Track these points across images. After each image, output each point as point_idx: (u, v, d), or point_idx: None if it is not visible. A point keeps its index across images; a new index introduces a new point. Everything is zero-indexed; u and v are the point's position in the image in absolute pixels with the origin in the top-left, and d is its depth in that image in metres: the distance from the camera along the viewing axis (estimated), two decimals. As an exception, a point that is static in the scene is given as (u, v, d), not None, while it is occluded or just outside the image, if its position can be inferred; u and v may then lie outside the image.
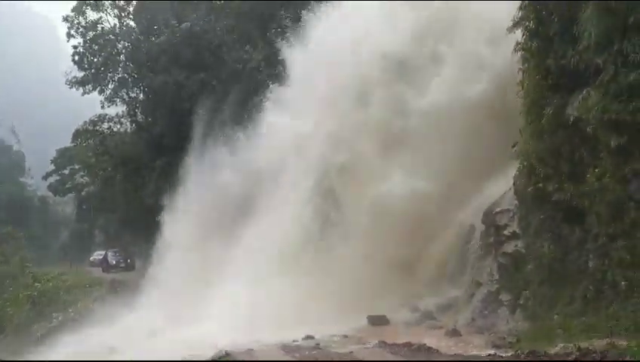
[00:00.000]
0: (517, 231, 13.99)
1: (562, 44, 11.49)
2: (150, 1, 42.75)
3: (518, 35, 12.98)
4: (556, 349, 9.06)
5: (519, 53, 12.92)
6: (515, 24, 13.04)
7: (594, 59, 10.48)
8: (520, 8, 12.82)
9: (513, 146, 13.99)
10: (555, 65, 11.66)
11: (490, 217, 15.35)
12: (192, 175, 29.06)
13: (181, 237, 27.63)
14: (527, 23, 12.62)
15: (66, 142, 59.67)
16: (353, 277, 18.10)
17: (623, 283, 10.20)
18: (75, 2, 46.14)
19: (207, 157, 28.22)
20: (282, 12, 33.27)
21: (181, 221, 28.34)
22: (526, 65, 12.82)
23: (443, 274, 17.41)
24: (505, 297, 13.93)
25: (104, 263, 47.42)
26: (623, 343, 8.55)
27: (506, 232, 14.61)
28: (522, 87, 12.97)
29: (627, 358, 7.86)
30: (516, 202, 14.00)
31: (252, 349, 13.36)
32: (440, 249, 17.69)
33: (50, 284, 40.59)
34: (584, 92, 10.72)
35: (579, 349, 8.59)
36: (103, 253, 50.05)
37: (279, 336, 14.68)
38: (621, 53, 9.97)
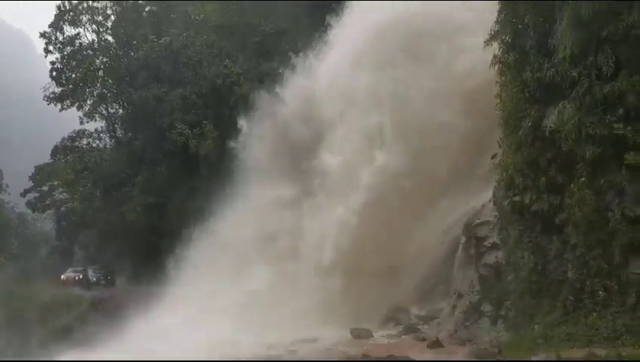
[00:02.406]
0: (497, 242, 14.08)
1: (538, 57, 11.68)
2: (129, 15, 42.58)
3: (495, 47, 13.16)
4: (537, 359, 9.11)
5: (496, 66, 13.09)
6: (492, 37, 13.23)
7: (569, 72, 10.66)
8: (497, 22, 13.02)
9: (492, 158, 14.15)
10: (531, 78, 11.82)
11: (470, 229, 15.43)
12: None
13: None
14: (503, 37, 12.82)
15: (45, 158, 58.91)
16: (336, 288, 18.07)
17: (601, 292, 10.32)
18: (53, 17, 45.74)
19: None
20: (263, 27, 33.38)
21: None
22: (503, 78, 12.99)
23: (428, 286, 17.46)
24: (486, 308, 13.99)
25: (84, 280, 46.62)
26: (602, 352, 8.64)
27: (486, 243, 14.69)
28: (500, 100, 13.14)
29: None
30: (496, 213, 14.11)
31: None
32: (425, 261, 17.73)
33: (29, 302, 39.76)
34: (560, 105, 10.88)
35: (559, 358, 8.65)
36: (80, 269, 49.04)
37: (262, 348, 14.59)
38: (595, 66, 10.15)
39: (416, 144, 18.26)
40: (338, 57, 22.22)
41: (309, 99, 22.66)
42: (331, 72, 22.22)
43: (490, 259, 14.34)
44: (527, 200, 12.18)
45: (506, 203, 13.08)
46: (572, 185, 10.83)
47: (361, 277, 18.02)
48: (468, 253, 15.49)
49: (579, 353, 8.80)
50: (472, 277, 14.99)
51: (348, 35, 22.13)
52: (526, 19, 11.96)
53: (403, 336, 16.03)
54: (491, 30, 13.26)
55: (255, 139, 25.10)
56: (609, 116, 9.97)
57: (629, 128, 9.70)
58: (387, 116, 19.53)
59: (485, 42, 13.47)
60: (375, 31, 20.53)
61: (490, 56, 13.10)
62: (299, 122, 22.84)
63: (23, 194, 66.61)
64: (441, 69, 18.48)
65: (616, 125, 9.86)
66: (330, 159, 20.82)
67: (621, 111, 9.88)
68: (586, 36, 10.26)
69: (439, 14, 19.25)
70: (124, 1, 44.09)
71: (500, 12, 12.99)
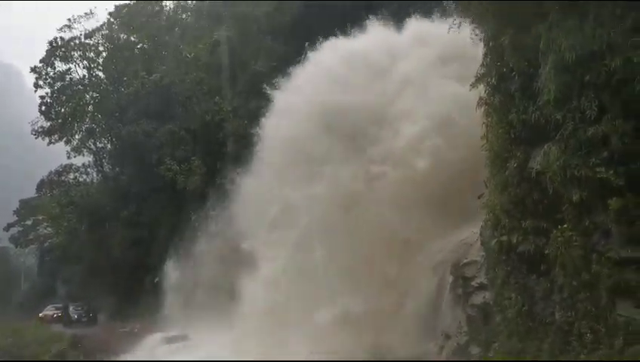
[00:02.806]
0: (485, 282, 14.03)
1: (523, 99, 11.86)
2: (120, 51, 42.99)
3: (481, 89, 13.38)
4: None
5: (482, 108, 13.29)
6: (478, 79, 13.47)
7: (554, 115, 10.81)
8: (482, 65, 13.27)
9: (479, 197, 14.21)
10: (517, 119, 11.98)
11: (458, 268, 15.38)
12: None
13: None
14: (489, 79, 13.04)
15: (30, 192, 58.53)
16: (323, 327, 17.86)
17: (588, 334, 10.25)
18: (44, 53, 46.03)
19: None
20: (252, 65, 33.78)
21: None
22: (489, 119, 13.17)
23: (415, 327, 17.26)
24: (474, 350, 13.82)
25: (65, 317, 45.69)
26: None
27: (474, 283, 14.63)
28: (486, 141, 13.28)
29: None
30: (483, 253, 14.10)
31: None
32: (415, 300, 17.58)
33: (9, 340, 38.77)
34: (545, 146, 11.00)
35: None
36: (60, 306, 48.12)
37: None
38: (579, 109, 10.31)
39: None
40: None
41: None
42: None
43: (478, 299, 14.26)
44: (514, 241, 12.20)
45: (493, 243, 13.09)
46: (558, 227, 10.86)
47: (350, 316, 17.86)
48: (456, 293, 15.40)
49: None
50: (460, 317, 14.86)
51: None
52: (511, 63, 12.18)
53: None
54: (477, 73, 13.52)
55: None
56: (593, 159, 10.09)
57: (611, 172, 9.80)
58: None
59: (471, 85, 13.72)
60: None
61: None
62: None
63: (7, 228, 65.94)
64: None
65: (598, 169, 9.96)
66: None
67: (605, 154, 9.99)
68: (569, 80, 10.44)
69: None
70: (116, 40, 44.49)
71: (485, 55, 13.26)
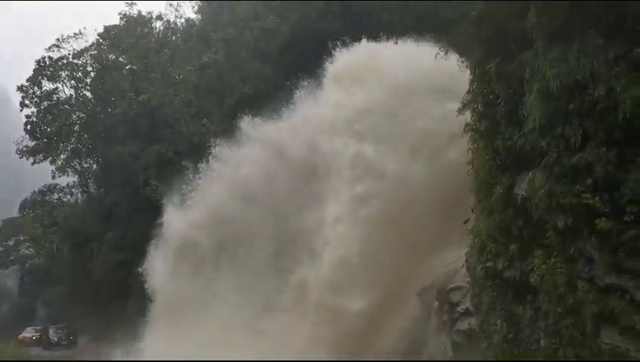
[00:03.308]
0: (470, 308, 14.01)
1: (509, 126, 11.98)
2: (109, 72, 42.96)
3: (468, 115, 13.52)
4: None
5: (469, 134, 13.41)
6: (465, 106, 13.62)
7: (539, 142, 10.92)
8: (468, 92, 13.43)
9: (465, 222, 14.26)
10: (502, 146, 12.08)
11: (444, 294, 15.37)
12: None
13: None
14: (475, 105, 13.19)
15: (13, 212, 57.74)
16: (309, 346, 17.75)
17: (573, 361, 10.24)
18: (31, 71, 45.86)
19: None
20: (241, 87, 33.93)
21: None
22: (475, 145, 13.28)
23: (402, 352, 17.16)
24: (460, 376, 13.78)
25: (44, 339, 44.83)
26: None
27: (459, 309, 14.61)
28: (472, 166, 13.38)
29: None
30: (468, 279, 14.10)
31: None
32: (399, 326, 17.52)
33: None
34: (530, 173, 11.10)
35: None
36: (39, 328, 47.21)
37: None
38: (563, 137, 10.43)
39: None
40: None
41: None
42: None
43: (464, 325, 14.23)
44: (500, 267, 12.23)
45: (478, 268, 13.10)
46: (542, 254, 10.91)
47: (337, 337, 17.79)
48: (441, 318, 15.37)
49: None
50: (445, 343, 14.81)
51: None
52: (496, 90, 12.34)
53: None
54: (463, 99, 13.67)
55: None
56: (578, 186, 10.18)
57: (597, 198, 9.89)
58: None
59: (458, 111, 13.86)
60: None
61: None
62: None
63: (-12, 248, 64.84)
64: None
65: (584, 195, 10.05)
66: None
67: (589, 181, 10.09)
68: (554, 108, 10.59)
69: None
70: (105, 60, 44.48)
71: (471, 82, 13.43)
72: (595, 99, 9.97)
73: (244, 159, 24.84)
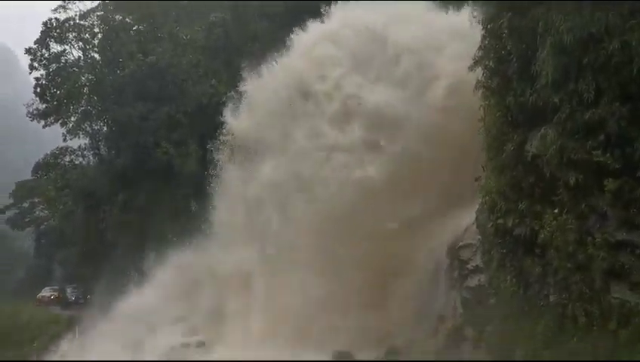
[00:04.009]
0: (480, 265, 14.10)
1: (521, 82, 11.82)
2: (116, 33, 42.53)
3: (479, 72, 13.33)
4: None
5: (480, 91, 13.24)
6: (476, 62, 13.41)
7: (551, 98, 10.79)
8: (480, 48, 13.20)
9: (476, 180, 14.23)
10: (514, 102, 11.95)
11: (454, 251, 15.46)
12: None
13: None
14: (487, 62, 12.98)
15: (26, 175, 58.20)
16: (320, 310, 17.94)
17: (582, 317, 10.33)
18: (39, 34, 45.53)
19: None
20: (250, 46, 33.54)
21: None
22: (487, 102, 13.13)
23: (411, 308, 17.34)
24: (469, 332, 13.94)
25: (62, 299, 45.80)
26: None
27: (469, 266, 14.72)
28: (484, 124, 13.26)
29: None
30: (479, 236, 14.15)
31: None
32: (410, 283, 17.62)
33: (6, 322, 38.89)
34: (542, 130, 10.99)
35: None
36: (57, 288, 48.14)
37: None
38: (576, 92, 10.29)
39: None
40: None
41: None
42: None
43: (473, 282, 14.35)
44: (510, 224, 12.24)
45: (489, 226, 13.13)
46: (554, 210, 10.89)
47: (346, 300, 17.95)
48: (451, 275, 15.49)
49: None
50: (455, 300, 14.97)
51: None
52: (509, 46, 12.12)
53: (384, 360, 15.91)
54: (475, 55, 13.45)
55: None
56: (590, 142, 10.09)
57: (608, 155, 9.81)
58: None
59: (469, 67, 13.66)
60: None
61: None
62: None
63: (3, 211, 65.71)
64: None
65: (595, 152, 9.96)
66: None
67: (602, 137, 10.00)
68: (567, 63, 10.41)
69: None
70: (111, 21, 43.94)
71: (483, 38, 13.18)
72: (609, 52, 9.80)
73: None
